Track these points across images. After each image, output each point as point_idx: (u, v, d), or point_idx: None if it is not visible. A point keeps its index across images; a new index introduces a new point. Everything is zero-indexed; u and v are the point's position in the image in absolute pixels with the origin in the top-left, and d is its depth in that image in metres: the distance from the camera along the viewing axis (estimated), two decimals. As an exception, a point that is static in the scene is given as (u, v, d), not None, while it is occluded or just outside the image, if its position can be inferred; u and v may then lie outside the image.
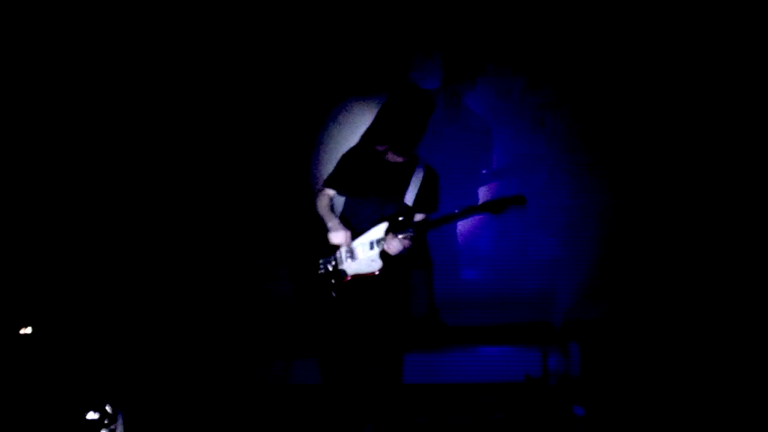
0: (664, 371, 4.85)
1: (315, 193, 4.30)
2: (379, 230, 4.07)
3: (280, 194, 5.35)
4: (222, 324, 5.33)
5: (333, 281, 4.07)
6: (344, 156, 4.26)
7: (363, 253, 4.06)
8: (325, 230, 4.11)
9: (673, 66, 5.15)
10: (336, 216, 4.20)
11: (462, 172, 5.25)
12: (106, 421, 4.26)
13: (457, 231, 5.30)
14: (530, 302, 5.26)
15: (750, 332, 4.96)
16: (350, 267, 4.07)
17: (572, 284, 5.27)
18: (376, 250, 4.04)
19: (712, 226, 5.17)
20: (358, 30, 5.30)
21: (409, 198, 4.08)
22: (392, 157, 4.12)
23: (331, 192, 4.27)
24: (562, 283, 5.27)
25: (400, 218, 4.06)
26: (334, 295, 4.07)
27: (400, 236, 3.99)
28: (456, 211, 4.02)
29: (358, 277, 4.04)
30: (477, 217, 5.28)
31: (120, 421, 4.28)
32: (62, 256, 5.33)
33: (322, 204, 4.26)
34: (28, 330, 5.14)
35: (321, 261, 4.11)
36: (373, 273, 4.04)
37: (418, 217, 4.14)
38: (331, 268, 4.08)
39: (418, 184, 4.09)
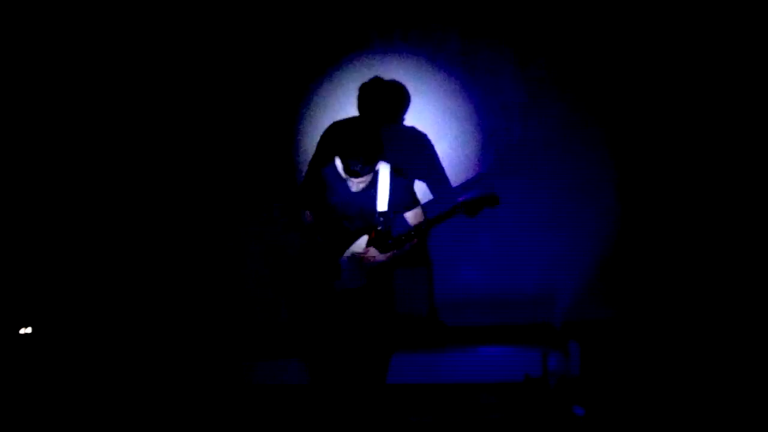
0: (664, 371, 4.85)
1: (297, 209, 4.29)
2: (359, 245, 4.05)
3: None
4: (212, 324, 5.34)
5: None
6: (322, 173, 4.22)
7: (349, 268, 4.05)
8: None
9: (678, 62, 5.14)
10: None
11: (456, 169, 5.26)
12: None
13: (457, 230, 5.29)
14: (530, 302, 5.26)
15: (750, 331, 4.96)
16: (343, 283, 4.07)
17: (572, 284, 5.26)
18: (358, 265, 4.02)
19: (714, 226, 5.16)
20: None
21: (382, 205, 3.99)
22: (360, 180, 3.93)
23: (308, 212, 4.24)
24: (562, 283, 5.26)
25: (379, 227, 4.02)
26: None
27: (381, 252, 3.98)
28: (427, 218, 3.99)
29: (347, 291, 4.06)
30: (476, 218, 5.30)
31: None
32: (62, 256, 5.34)
33: (304, 221, 4.27)
34: (28, 330, 5.15)
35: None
36: (359, 287, 4.05)
37: (409, 215, 4.09)
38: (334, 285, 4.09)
39: (388, 187, 3.99)
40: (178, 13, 5.20)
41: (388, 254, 4.00)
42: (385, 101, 5.08)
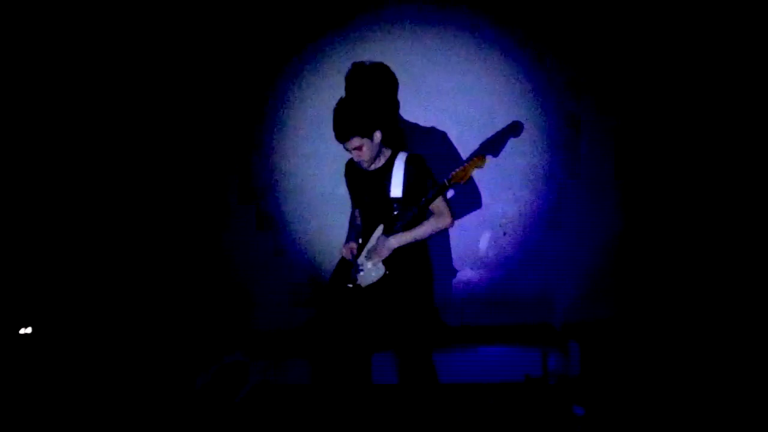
0: (664, 371, 4.85)
1: None
2: (374, 237, 4.07)
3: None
4: (221, 324, 5.34)
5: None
6: (345, 166, 4.28)
7: (366, 264, 4.06)
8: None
9: (681, 63, 5.13)
10: (355, 231, 4.25)
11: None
12: None
13: (457, 230, 5.29)
14: (530, 302, 5.26)
15: (750, 331, 4.96)
16: (362, 280, 4.06)
17: (572, 284, 5.26)
18: (373, 258, 4.03)
19: (713, 226, 5.16)
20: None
21: (396, 191, 4.00)
22: (360, 160, 4.01)
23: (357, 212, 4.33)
24: (562, 283, 5.26)
25: (395, 212, 4.02)
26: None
27: (390, 236, 3.98)
28: (429, 196, 3.98)
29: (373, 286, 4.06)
30: (477, 218, 5.31)
31: None
32: (62, 256, 5.34)
33: (350, 221, 4.33)
34: (28, 330, 5.15)
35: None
36: (380, 279, 4.04)
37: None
38: (351, 285, 4.09)
39: (402, 174, 4.01)
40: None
41: (397, 237, 4.00)
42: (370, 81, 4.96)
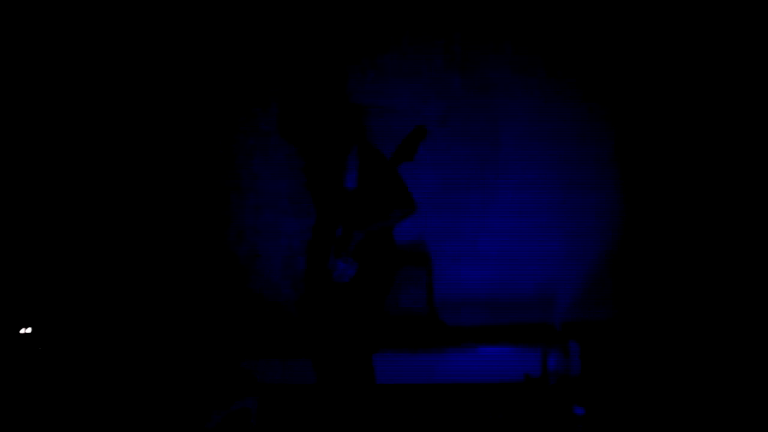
0: (664, 371, 4.84)
1: None
2: (338, 234, 4.04)
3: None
4: (218, 324, 5.34)
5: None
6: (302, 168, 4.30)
7: (337, 264, 4.04)
8: None
9: (681, 61, 5.13)
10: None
11: (458, 173, 5.25)
12: None
13: (457, 230, 5.29)
14: (530, 302, 5.26)
15: (750, 331, 4.96)
16: (340, 279, 4.06)
17: (572, 284, 5.26)
18: (343, 255, 4.02)
19: (714, 227, 5.16)
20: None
21: (352, 182, 3.98)
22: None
23: None
24: (562, 283, 5.26)
25: (354, 205, 4.00)
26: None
27: (354, 230, 3.98)
28: (382, 178, 3.96)
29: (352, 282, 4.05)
30: (477, 218, 5.31)
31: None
32: (62, 256, 5.33)
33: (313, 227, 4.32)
34: (28, 330, 5.15)
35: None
36: (355, 274, 4.03)
37: None
38: (329, 288, 4.07)
39: (356, 164, 3.99)
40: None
41: (363, 229, 4.00)
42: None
